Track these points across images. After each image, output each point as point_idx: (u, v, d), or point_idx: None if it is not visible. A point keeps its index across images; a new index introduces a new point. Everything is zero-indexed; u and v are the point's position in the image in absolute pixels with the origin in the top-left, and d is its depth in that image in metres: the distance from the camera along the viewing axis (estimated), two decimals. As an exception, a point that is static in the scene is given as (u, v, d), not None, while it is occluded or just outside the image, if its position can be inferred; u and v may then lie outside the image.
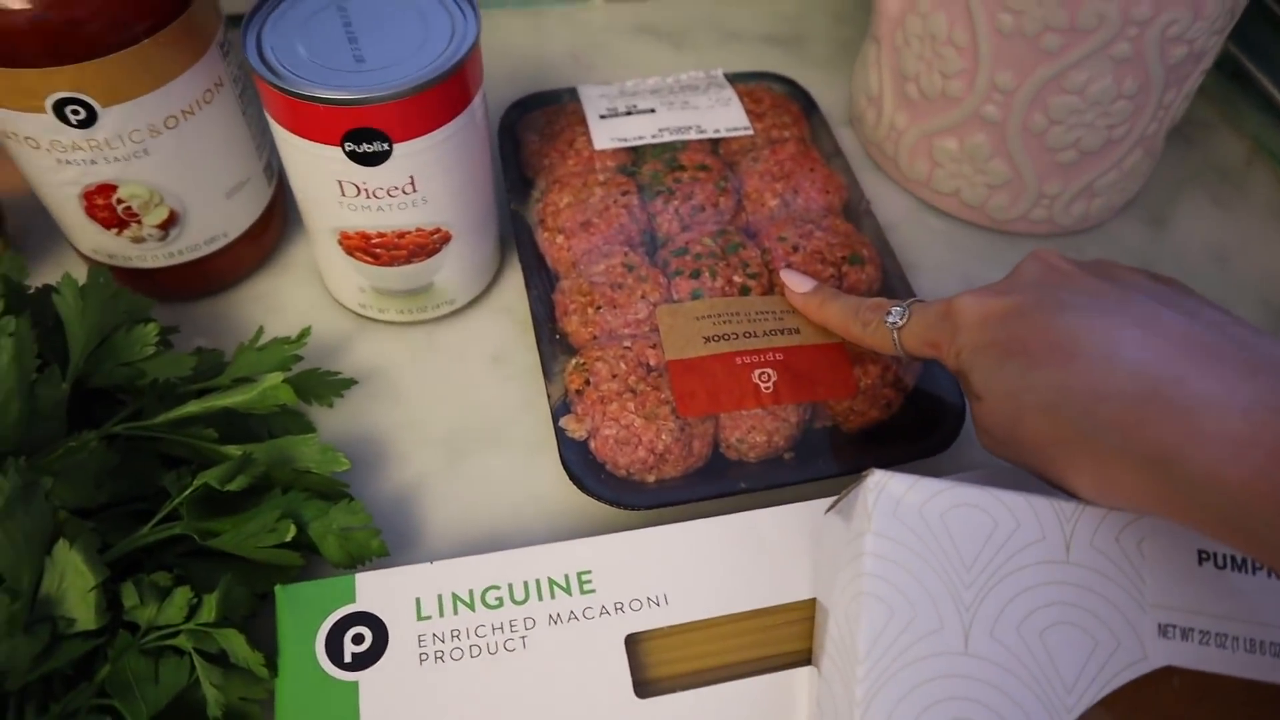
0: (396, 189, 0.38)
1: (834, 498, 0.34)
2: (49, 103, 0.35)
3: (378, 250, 0.40)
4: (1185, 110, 0.47)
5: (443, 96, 0.36)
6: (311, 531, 0.35)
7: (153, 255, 0.42)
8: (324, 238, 0.41)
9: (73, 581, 0.30)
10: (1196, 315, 0.28)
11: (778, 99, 0.49)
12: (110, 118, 0.36)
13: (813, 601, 0.34)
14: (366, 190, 0.38)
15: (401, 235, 0.40)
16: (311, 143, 0.36)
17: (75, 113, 0.36)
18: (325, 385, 0.41)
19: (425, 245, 0.41)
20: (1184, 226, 0.51)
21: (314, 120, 0.35)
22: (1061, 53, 0.41)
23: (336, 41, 0.36)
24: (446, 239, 0.41)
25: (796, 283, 0.40)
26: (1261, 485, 0.23)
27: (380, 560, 0.36)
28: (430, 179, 0.38)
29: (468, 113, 0.38)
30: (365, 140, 0.36)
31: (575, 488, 0.37)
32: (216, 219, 0.42)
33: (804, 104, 0.50)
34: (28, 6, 0.33)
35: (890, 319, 0.35)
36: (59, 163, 0.38)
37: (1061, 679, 0.28)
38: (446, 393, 0.43)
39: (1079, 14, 0.39)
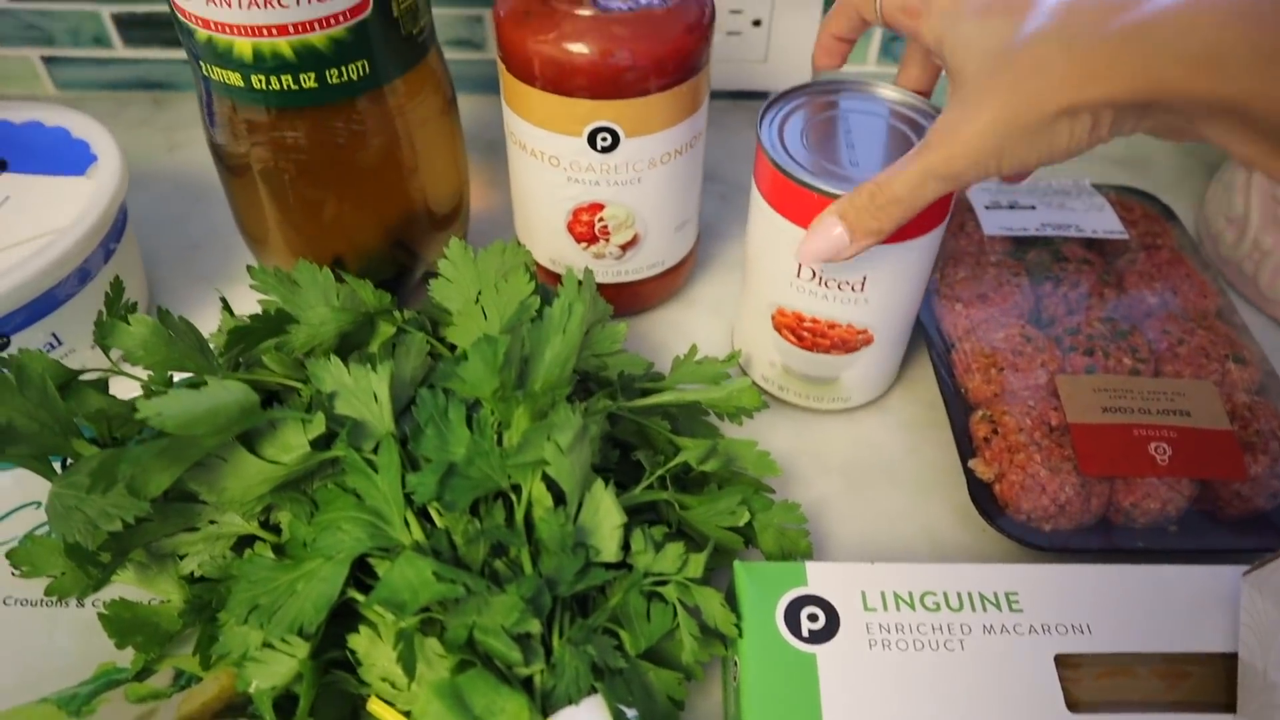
0: (848, 284, 0.42)
1: (1254, 563, 0.37)
2: (587, 129, 0.42)
3: (804, 333, 0.44)
4: None
5: (920, 216, 0.38)
6: (756, 522, 0.40)
7: (603, 271, 0.48)
8: (759, 308, 0.46)
9: (604, 518, 0.35)
10: None
11: (1147, 210, 0.54)
12: (627, 147, 0.43)
13: (1224, 656, 0.37)
14: (821, 278, 0.42)
15: (832, 326, 0.44)
16: (790, 223, 0.40)
17: (603, 140, 0.43)
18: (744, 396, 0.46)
19: (848, 341, 0.44)
20: None
21: (803, 206, 0.39)
22: None
23: (835, 144, 0.41)
24: (868, 341, 0.44)
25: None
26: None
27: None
28: (880, 284, 0.42)
29: (933, 235, 0.41)
30: None
31: (967, 525, 0.41)
32: (662, 248, 0.49)
33: (1168, 218, 0.54)
34: (588, 53, 0.41)
35: None
36: (568, 180, 0.45)
37: None
38: (839, 432, 0.47)
39: None
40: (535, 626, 0.31)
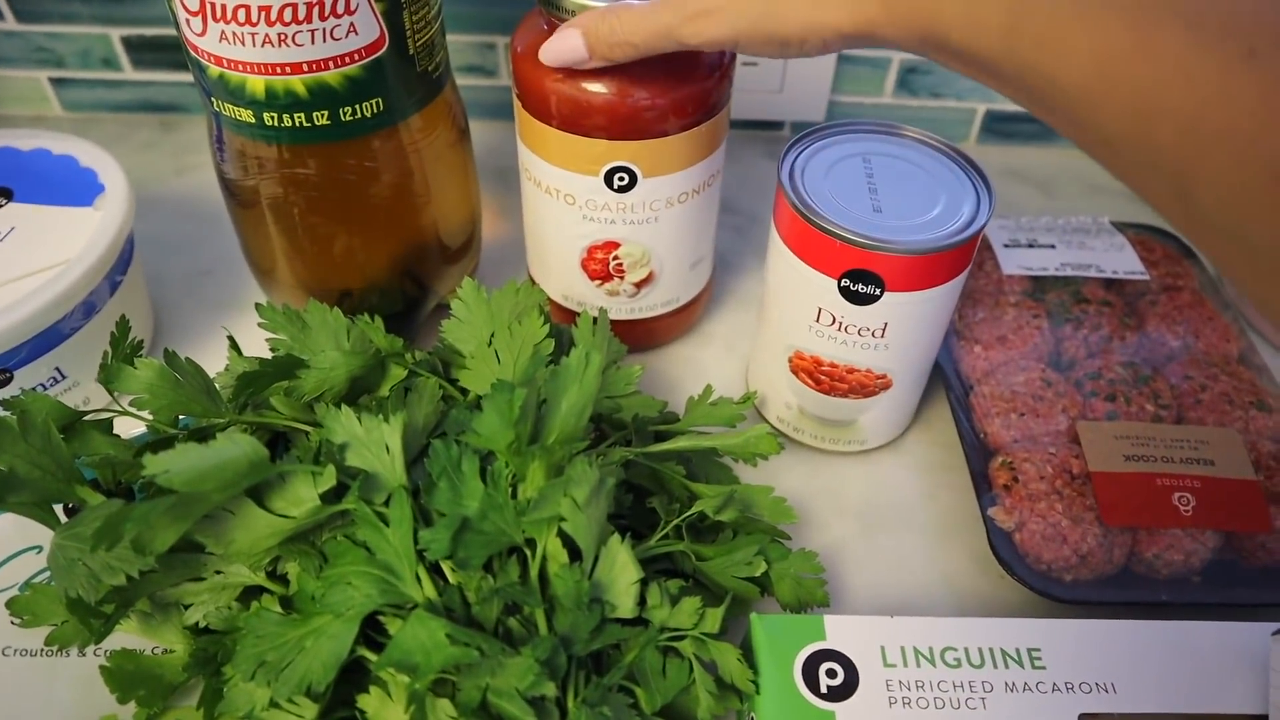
0: (868, 330, 0.41)
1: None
2: (604, 169, 0.42)
3: (822, 377, 0.44)
4: None
5: (943, 263, 0.38)
6: (773, 571, 0.39)
7: (617, 308, 0.48)
8: (776, 350, 0.45)
9: (620, 573, 0.34)
10: None
11: (1167, 250, 0.53)
12: (644, 187, 0.42)
13: (1253, 718, 0.36)
14: (841, 324, 0.41)
15: (851, 371, 0.43)
16: (810, 268, 0.40)
17: (620, 179, 0.42)
18: (762, 443, 0.45)
19: (866, 386, 0.44)
20: None
21: (821, 250, 0.39)
22: None
23: (857, 187, 0.40)
24: (887, 386, 0.44)
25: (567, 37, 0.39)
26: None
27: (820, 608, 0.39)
28: (900, 331, 0.41)
29: (956, 281, 0.40)
30: (862, 281, 0.39)
31: (985, 573, 0.40)
32: (677, 285, 0.48)
33: (1188, 257, 0.54)
34: (606, 93, 0.40)
35: None
36: (583, 218, 0.44)
37: None
38: (855, 473, 0.47)
39: None
40: (550, 689, 0.30)
